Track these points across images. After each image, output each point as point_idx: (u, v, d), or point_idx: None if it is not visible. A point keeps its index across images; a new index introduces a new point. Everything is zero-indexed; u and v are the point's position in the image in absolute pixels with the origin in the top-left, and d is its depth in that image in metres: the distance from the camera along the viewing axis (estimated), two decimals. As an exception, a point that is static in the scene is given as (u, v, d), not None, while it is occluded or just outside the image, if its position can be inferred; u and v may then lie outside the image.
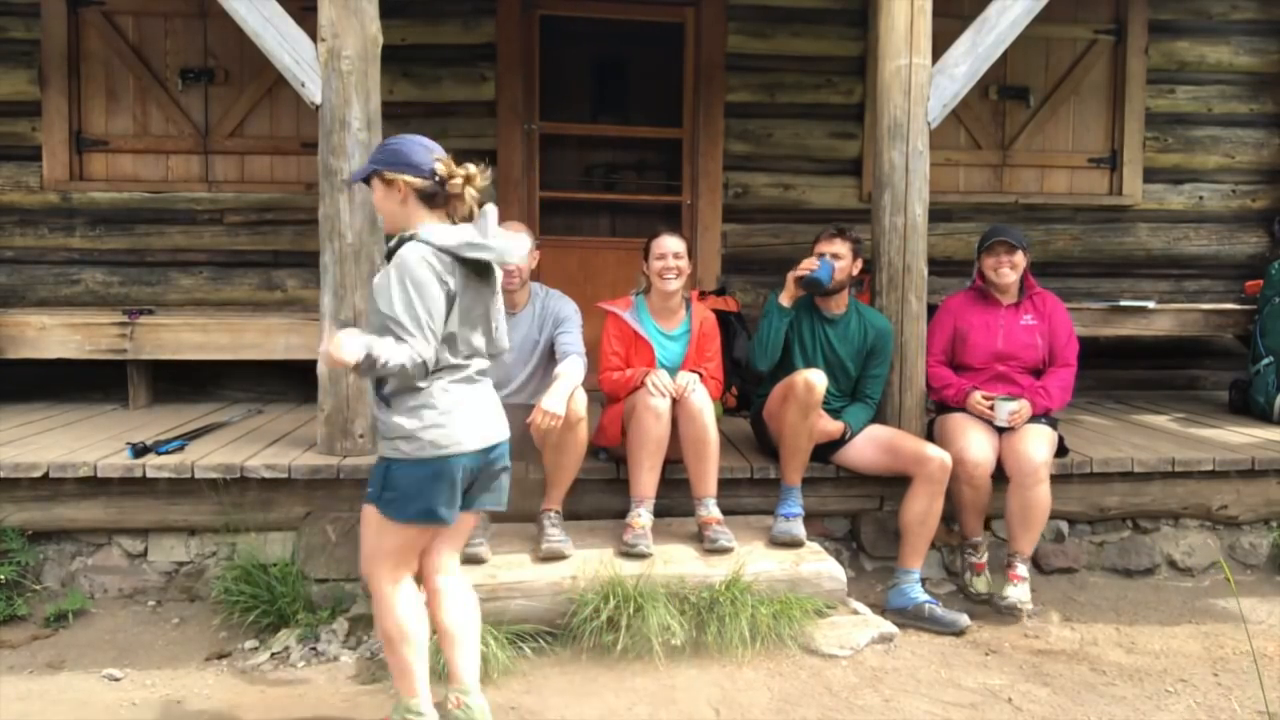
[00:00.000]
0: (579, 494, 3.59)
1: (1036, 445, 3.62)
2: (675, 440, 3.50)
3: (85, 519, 3.68)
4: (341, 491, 3.65)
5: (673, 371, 3.70)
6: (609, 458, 3.80)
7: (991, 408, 3.69)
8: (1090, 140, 5.90)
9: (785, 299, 3.68)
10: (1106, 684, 3.09)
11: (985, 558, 3.75)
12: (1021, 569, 3.59)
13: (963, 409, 3.79)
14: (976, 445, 3.62)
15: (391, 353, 2.30)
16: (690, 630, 3.12)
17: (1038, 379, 3.86)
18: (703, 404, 3.46)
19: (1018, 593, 3.54)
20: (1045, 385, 3.81)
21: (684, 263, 3.68)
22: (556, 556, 3.32)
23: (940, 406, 3.95)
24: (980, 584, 3.71)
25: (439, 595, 2.62)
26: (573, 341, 3.53)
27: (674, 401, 3.46)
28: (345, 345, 2.27)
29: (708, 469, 3.48)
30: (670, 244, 3.66)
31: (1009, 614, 3.55)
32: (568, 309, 3.64)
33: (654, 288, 3.72)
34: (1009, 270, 3.83)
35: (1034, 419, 3.73)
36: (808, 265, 3.65)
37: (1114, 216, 5.90)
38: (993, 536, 3.91)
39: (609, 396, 3.75)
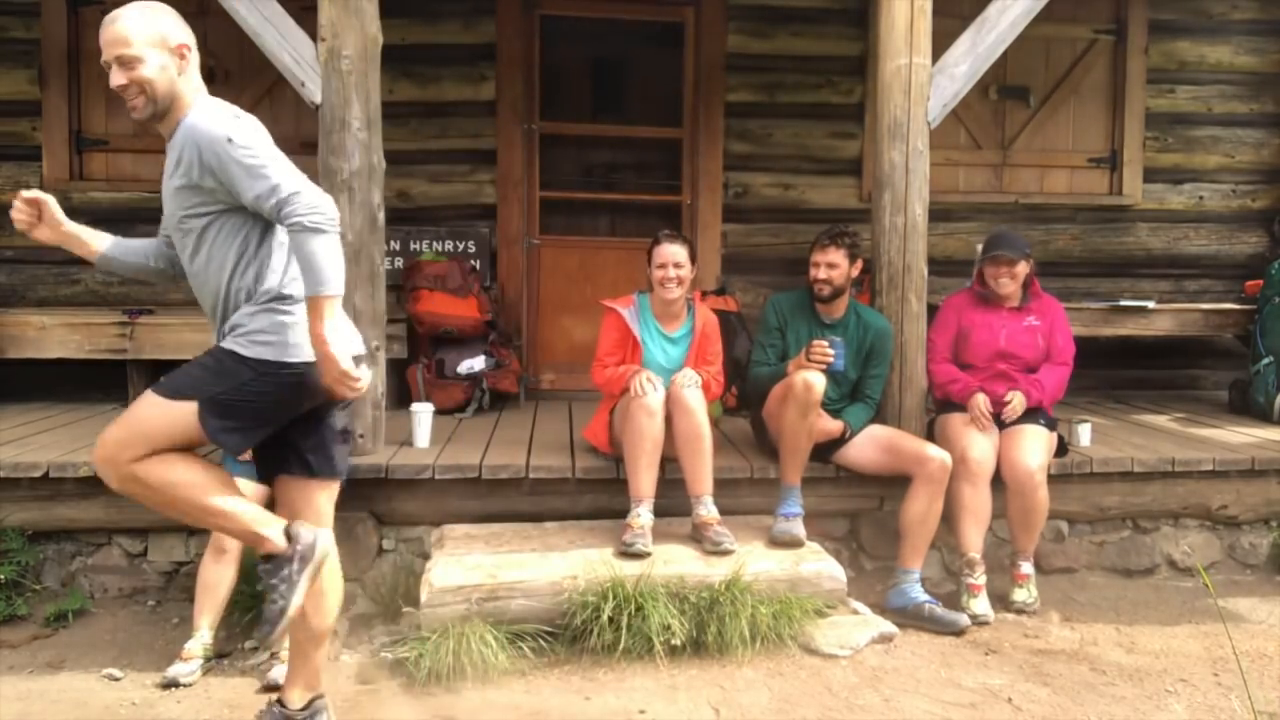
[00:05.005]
0: (578, 494, 3.58)
1: (1031, 450, 3.62)
2: (671, 439, 3.49)
3: (85, 519, 3.68)
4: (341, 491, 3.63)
5: (673, 373, 3.70)
6: (614, 456, 3.80)
7: (996, 415, 3.70)
8: (1090, 140, 5.90)
9: (792, 368, 3.58)
10: (1106, 684, 3.09)
11: (984, 579, 3.56)
12: (1026, 567, 3.65)
13: (963, 406, 3.78)
14: (979, 444, 3.63)
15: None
16: (690, 630, 3.12)
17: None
18: (695, 400, 3.44)
19: (1024, 594, 3.61)
20: (1040, 378, 3.81)
21: (685, 271, 3.66)
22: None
23: (941, 406, 3.94)
24: (976, 605, 3.51)
25: None
26: None
27: (669, 399, 3.45)
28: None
29: (701, 466, 3.46)
30: (671, 253, 3.63)
31: (1022, 613, 3.58)
32: None
33: (655, 293, 3.73)
34: (1008, 280, 3.83)
35: (1031, 419, 3.74)
36: (823, 357, 3.48)
37: (1114, 216, 5.90)
38: (993, 536, 3.88)
39: (602, 392, 3.76)
